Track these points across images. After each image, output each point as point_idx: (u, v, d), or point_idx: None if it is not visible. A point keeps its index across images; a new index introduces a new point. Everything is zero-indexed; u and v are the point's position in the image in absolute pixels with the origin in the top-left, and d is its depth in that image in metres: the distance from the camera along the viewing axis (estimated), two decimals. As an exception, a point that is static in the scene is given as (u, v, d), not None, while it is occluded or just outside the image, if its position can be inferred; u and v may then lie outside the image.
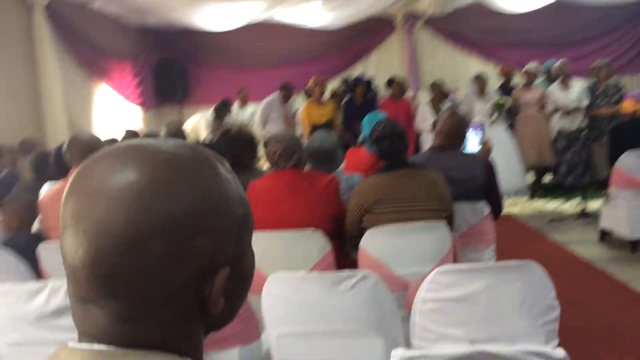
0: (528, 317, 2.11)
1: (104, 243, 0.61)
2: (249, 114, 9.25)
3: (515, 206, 7.09)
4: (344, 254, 3.17)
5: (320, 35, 9.84)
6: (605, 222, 5.37)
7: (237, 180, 0.73)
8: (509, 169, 7.45)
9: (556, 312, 2.17)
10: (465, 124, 3.57)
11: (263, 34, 9.69)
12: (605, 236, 5.41)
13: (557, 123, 7.46)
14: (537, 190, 7.75)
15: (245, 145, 3.73)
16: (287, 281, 2.22)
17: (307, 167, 3.99)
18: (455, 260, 3.48)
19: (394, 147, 3.03)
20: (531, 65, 7.78)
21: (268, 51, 10.04)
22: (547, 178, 8.07)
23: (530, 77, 7.65)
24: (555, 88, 7.46)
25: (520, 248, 5.49)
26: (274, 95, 8.47)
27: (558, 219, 6.35)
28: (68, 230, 0.63)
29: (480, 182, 3.45)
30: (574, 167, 7.32)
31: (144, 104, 9.28)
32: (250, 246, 0.75)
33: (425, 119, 7.50)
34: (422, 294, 2.16)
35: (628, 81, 10.15)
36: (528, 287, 2.12)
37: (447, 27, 10.00)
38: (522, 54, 9.65)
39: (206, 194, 0.65)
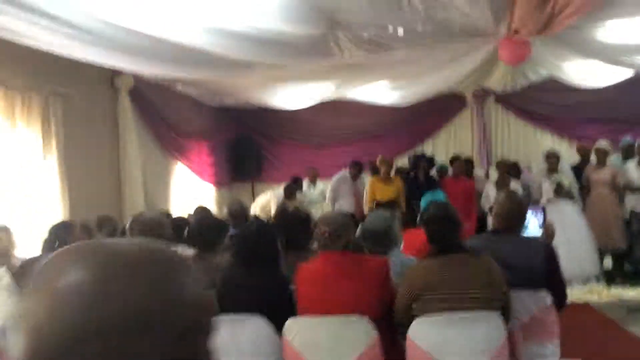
0: None
1: (39, 344, 0.60)
2: (319, 192, 9.37)
3: (592, 294, 6.64)
4: (394, 343, 3.06)
5: (390, 111, 9.95)
6: (691, 313, 4.93)
7: (200, 285, 0.71)
8: (583, 253, 7.09)
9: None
10: (524, 206, 3.45)
11: (334, 112, 9.90)
12: (691, 329, 4.96)
13: (631, 203, 7.08)
14: (615, 276, 7.26)
15: (299, 224, 3.76)
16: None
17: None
18: (512, 353, 3.30)
19: (443, 230, 2.96)
20: (602, 143, 7.50)
21: (338, 128, 10.25)
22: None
23: (601, 155, 7.36)
24: (631, 166, 7.13)
25: (594, 341, 5.12)
26: (344, 172, 8.57)
27: (638, 308, 5.89)
28: (14, 328, 0.63)
29: (541, 269, 3.28)
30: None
31: (217, 182, 9.58)
32: (208, 353, 0.71)
33: (489, 199, 7.32)
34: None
35: None
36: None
37: (518, 103, 9.88)
38: (596, 129, 9.34)
39: (151, 296, 0.64)
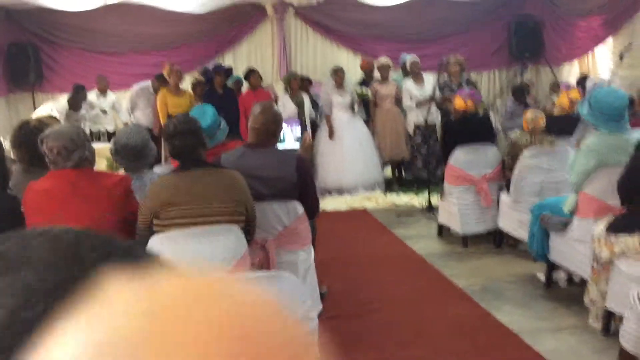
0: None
1: None
2: (110, 103, 8.76)
3: (370, 200, 7.15)
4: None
5: (189, 20, 9.45)
6: (441, 218, 5.51)
7: None
8: (367, 164, 7.55)
9: (313, 324, 2.07)
10: (279, 120, 3.44)
11: (127, 17, 9.15)
12: (442, 231, 5.55)
13: (413, 118, 7.62)
14: (393, 184, 7.88)
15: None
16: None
17: (105, 163, 3.74)
18: (266, 263, 3.39)
19: (187, 144, 2.85)
20: (383, 59, 7.89)
21: (133, 35, 9.51)
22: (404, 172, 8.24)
23: (384, 71, 7.75)
24: (410, 83, 7.61)
25: (365, 243, 5.54)
26: (147, 83, 8.06)
27: (406, 213, 6.46)
28: None
29: (293, 180, 3.34)
30: (429, 162, 7.51)
31: (-11, 91, 8.50)
32: None
33: (285, 110, 7.39)
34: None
35: (485, 78, 10.65)
36: (281, 299, 1.99)
37: (316, 17, 9.94)
38: (389, 48, 9.77)
39: None
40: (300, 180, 3.35)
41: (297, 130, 3.92)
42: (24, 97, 9.29)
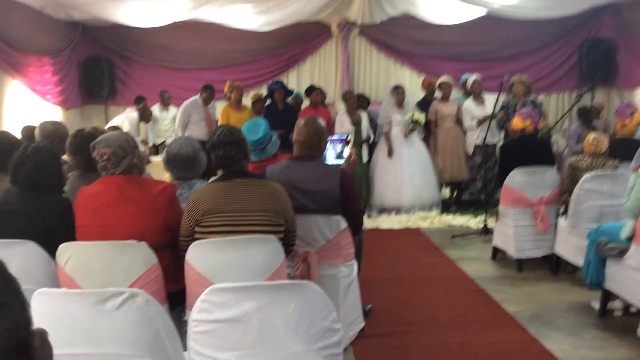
0: (303, 340, 1.99)
1: None
2: (171, 117, 9.07)
3: (425, 220, 7.05)
4: (182, 269, 3.02)
5: (254, 38, 9.69)
6: (496, 240, 5.35)
7: None
8: (425, 183, 7.46)
9: (337, 336, 2.05)
10: (323, 133, 3.45)
11: (194, 34, 9.47)
12: (497, 254, 5.39)
13: (473, 138, 7.48)
14: (450, 205, 7.74)
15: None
16: (52, 296, 2.06)
17: (168, 175, 3.86)
18: (308, 275, 3.39)
19: (230, 155, 2.90)
20: (445, 77, 7.80)
21: (199, 52, 9.84)
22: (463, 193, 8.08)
23: (446, 89, 7.66)
24: (470, 103, 7.48)
25: (416, 262, 5.46)
26: (196, 97, 8.30)
27: (460, 234, 6.32)
28: None
29: (336, 194, 3.34)
30: (487, 183, 7.34)
31: (65, 103, 8.95)
32: None
33: (342, 127, 7.44)
34: (194, 314, 2.03)
35: (554, 100, 10.32)
36: (304, 308, 2.00)
37: (380, 36, 9.96)
38: (452, 67, 9.67)
39: None
40: (343, 195, 3.35)
41: (339, 146, 3.93)
42: (97, 109, 9.77)
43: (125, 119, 8.67)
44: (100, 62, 9.49)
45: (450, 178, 7.78)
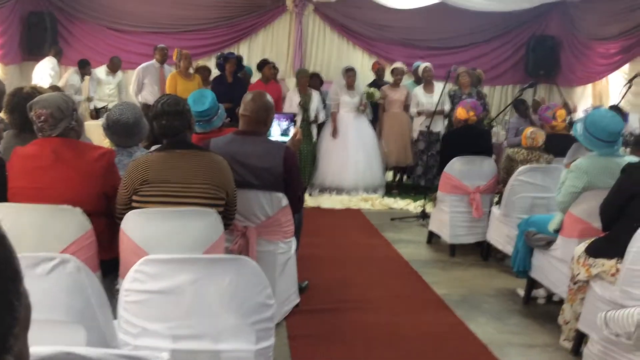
0: (236, 314, 2.02)
1: None
2: (117, 81, 8.84)
3: (366, 202, 7.16)
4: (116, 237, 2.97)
5: (207, 5, 9.52)
6: (432, 225, 5.50)
7: None
8: (370, 166, 7.55)
9: (270, 311, 2.08)
10: (270, 109, 3.44)
11: (145, -2, 9.25)
12: (432, 238, 5.54)
13: (419, 125, 7.61)
14: (392, 188, 7.88)
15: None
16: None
17: (107, 141, 3.76)
18: (246, 250, 3.41)
19: (173, 125, 2.86)
20: (398, 65, 7.89)
21: (147, 16, 9.57)
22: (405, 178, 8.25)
23: (397, 77, 7.74)
24: (419, 91, 7.60)
25: (353, 243, 5.54)
26: (151, 62, 8.10)
27: (399, 217, 6.46)
28: None
29: (279, 172, 3.35)
30: (429, 169, 7.50)
31: (3, 58, 8.56)
32: None
33: (292, 105, 7.43)
34: (126, 284, 2.02)
35: (498, 92, 10.61)
36: (238, 283, 2.02)
37: (334, 15, 9.95)
38: (404, 53, 9.79)
39: None
40: (286, 173, 3.36)
41: (285, 124, 3.93)
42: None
43: (66, 78, 8.40)
44: (44, 18, 9.09)
45: (395, 163, 7.89)
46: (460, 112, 5.17)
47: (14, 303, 0.58)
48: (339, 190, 7.46)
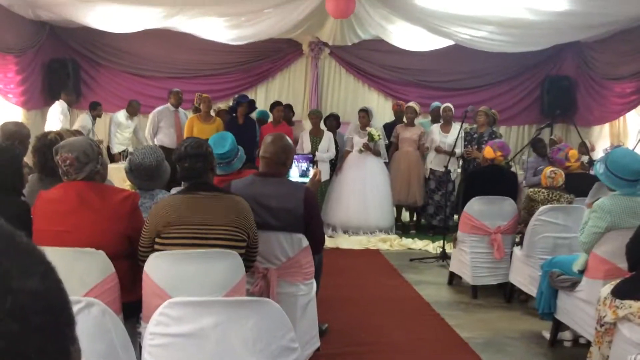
0: (260, 358, 1.99)
1: None
2: (135, 124, 8.99)
3: (385, 242, 7.12)
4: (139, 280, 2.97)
5: (224, 50, 9.70)
6: (453, 266, 5.44)
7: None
8: (380, 206, 7.53)
9: (294, 355, 2.06)
10: (290, 151, 3.47)
11: (165, 43, 9.43)
12: (454, 279, 5.47)
13: (430, 164, 7.63)
14: (409, 228, 7.84)
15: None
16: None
17: (128, 184, 3.81)
18: (267, 292, 3.38)
19: (196, 167, 2.89)
20: (410, 104, 7.96)
21: (170, 61, 9.78)
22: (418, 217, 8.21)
23: (410, 115, 7.79)
24: (436, 129, 7.63)
25: (373, 284, 5.49)
26: (166, 105, 8.25)
27: (419, 258, 6.40)
28: None
29: (299, 213, 3.35)
30: (440, 209, 7.48)
31: (26, 104, 8.75)
32: None
33: (303, 148, 7.50)
34: (151, 327, 2.01)
35: (514, 132, 10.61)
36: (262, 326, 2.00)
37: (349, 58, 10.09)
38: (420, 94, 9.86)
39: None
40: (306, 213, 3.36)
41: (304, 165, 3.99)
42: (60, 111, 9.56)
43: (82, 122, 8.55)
44: (66, 64, 9.33)
45: (404, 201, 7.85)
46: (488, 152, 5.17)
47: (69, 348, 0.58)
48: (345, 230, 7.43)
